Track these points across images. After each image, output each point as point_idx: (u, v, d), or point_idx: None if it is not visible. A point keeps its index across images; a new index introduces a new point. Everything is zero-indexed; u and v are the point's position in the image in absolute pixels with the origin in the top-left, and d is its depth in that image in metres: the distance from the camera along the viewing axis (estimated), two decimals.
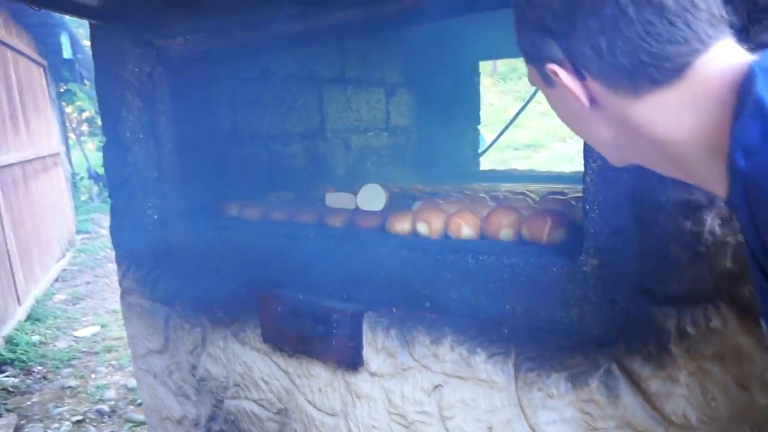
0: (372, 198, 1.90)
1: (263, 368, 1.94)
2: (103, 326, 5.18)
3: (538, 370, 1.32)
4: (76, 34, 8.72)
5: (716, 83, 0.66)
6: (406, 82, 3.41)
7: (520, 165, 10.28)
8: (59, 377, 4.21)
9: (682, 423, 1.14)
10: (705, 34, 0.66)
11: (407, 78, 3.40)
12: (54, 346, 4.79)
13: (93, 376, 4.22)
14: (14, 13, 6.70)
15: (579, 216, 1.43)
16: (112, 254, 2.52)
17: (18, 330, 4.88)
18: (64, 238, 7.77)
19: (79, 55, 9.11)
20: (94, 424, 3.53)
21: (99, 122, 9.82)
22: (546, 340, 1.34)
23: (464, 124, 3.53)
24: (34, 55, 7.73)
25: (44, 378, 4.21)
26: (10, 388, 4.00)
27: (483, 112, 3.86)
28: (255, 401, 1.99)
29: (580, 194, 1.51)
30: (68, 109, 10.97)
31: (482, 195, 1.97)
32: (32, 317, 5.28)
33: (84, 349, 4.69)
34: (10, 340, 4.62)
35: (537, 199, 1.88)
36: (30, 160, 6.63)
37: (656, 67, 0.67)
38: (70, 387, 4.04)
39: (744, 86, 0.63)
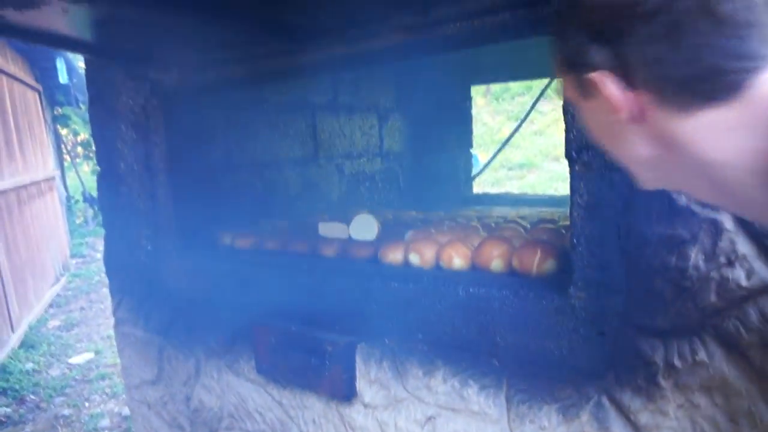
0: (364, 228, 1.92)
1: (257, 399, 1.93)
2: (97, 353, 5.14)
3: (530, 402, 1.33)
4: (72, 59, 8.78)
5: None
6: (398, 107, 3.45)
7: (514, 185, 10.33)
8: (53, 406, 4.17)
9: None
10: None
11: (400, 103, 3.44)
12: (48, 373, 4.75)
13: (87, 404, 4.18)
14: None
15: (568, 245, 1.45)
16: (107, 279, 2.52)
17: (11, 358, 4.84)
18: (58, 262, 7.74)
19: (74, 80, 9.16)
20: None
21: (94, 146, 9.83)
22: (537, 372, 1.35)
23: (457, 149, 3.57)
24: (30, 80, 7.77)
25: (37, 407, 4.17)
26: (3, 418, 3.96)
27: (476, 132, 3.89)
28: None
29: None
30: (63, 132, 11.00)
31: (474, 224, 1.99)
32: (26, 344, 5.24)
33: (78, 377, 4.65)
34: (3, 369, 4.58)
35: (528, 227, 1.90)
36: (25, 186, 6.62)
37: (712, 82, 0.62)
38: (63, 416, 4.00)
39: None
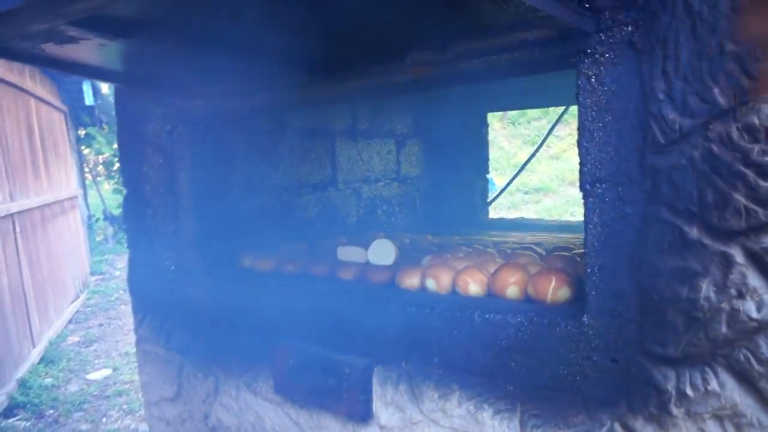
0: (382, 253, 1.96)
1: (275, 419, 1.97)
2: (115, 369, 5.21)
3: (543, 427, 1.35)
4: (97, 82, 9.03)
5: None
6: (416, 132, 3.51)
7: (530, 209, 10.34)
8: (71, 421, 4.23)
9: None
10: None
11: (417, 129, 3.51)
12: (66, 389, 4.83)
13: (104, 420, 4.23)
14: None
15: (583, 274, 1.48)
16: (126, 296, 2.59)
17: (32, 372, 4.93)
18: (78, 279, 7.87)
19: (99, 102, 9.41)
20: None
21: (116, 165, 10.07)
22: (550, 398, 1.37)
23: (473, 174, 3.61)
24: (56, 102, 8.00)
25: (56, 422, 4.23)
26: None
27: (492, 156, 3.93)
28: None
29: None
30: (86, 151, 11.26)
31: (490, 250, 2.03)
32: (45, 359, 5.33)
33: (95, 393, 4.72)
34: (23, 383, 4.67)
35: (543, 253, 1.93)
36: (49, 204, 6.78)
37: None
38: (81, 431, 4.06)
39: None
